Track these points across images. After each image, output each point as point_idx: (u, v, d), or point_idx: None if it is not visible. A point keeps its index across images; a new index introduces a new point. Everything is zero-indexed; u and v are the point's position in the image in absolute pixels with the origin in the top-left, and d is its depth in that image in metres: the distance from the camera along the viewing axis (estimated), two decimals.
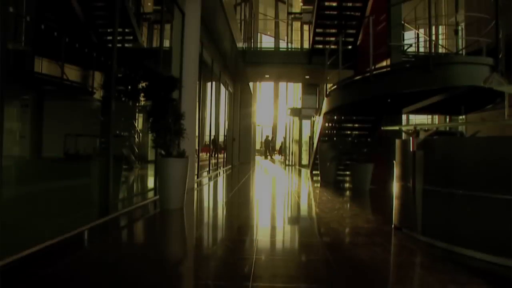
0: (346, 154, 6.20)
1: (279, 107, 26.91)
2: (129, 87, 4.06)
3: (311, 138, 10.76)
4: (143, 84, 3.98)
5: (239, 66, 10.80)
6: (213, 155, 10.02)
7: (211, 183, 7.28)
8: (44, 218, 2.92)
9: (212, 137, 9.76)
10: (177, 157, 3.95)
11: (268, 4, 20.73)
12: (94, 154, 4.16)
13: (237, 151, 13.37)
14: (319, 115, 8.57)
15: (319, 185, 7.14)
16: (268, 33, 22.17)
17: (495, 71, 5.07)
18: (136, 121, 6.11)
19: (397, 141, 3.14)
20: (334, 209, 4.16)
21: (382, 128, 3.24)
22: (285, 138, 18.00)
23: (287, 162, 15.33)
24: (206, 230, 3.20)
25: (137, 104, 4.95)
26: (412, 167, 2.79)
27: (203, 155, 9.99)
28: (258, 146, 24.39)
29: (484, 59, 5.13)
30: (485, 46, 5.64)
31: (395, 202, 3.23)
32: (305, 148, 13.88)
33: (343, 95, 6.48)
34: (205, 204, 4.80)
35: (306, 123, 13.97)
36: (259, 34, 18.96)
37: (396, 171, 3.23)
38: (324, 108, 7.44)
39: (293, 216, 4.08)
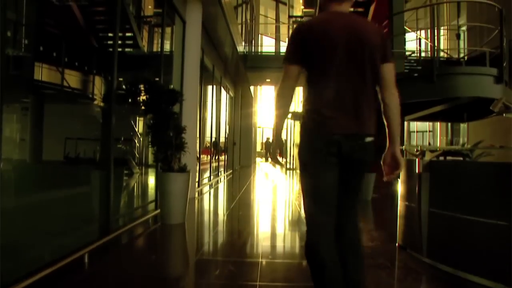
0: None
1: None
2: (130, 99, 4.02)
3: None
4: (144, 97, 3.92)
5: (240, 71, 10.75)
6: (214, 158, 9.94)
7: (212, 191, 7.24)
8: (41, 239, 2.87)
9: (213, 139, 9.71)
10: (178, 172, 3.91)
11: (269, 6, 20.64)
12: (94, 165, 4.10)
13: (237, 155, 13.33)
14: None
15: None
16: (269, 34, 22.09)
17: (499, 81, 5.01)
18: (137, 128, 6.07)
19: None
20: None
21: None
22: (286, 141, 17.94)
23: (288, 166, 15.27)
24: (207, 250, 3.15)
25: (137, 116, 4.90)
26: (417, 189, 2.75)
27: (204, 157, 9.93)
28: (259, 147, 24.34)
29: (488, 70, 5.07)
30: (488, 52, 5.58)
31: (399, 221, 3.19)
32: None
33: None
34: (207, 218, 4.75)
35: None
36: (260, 35, 18.89)
37: (400, 189, 3.18)
38: None
39: (295, 232, 4.03)
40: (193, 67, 5.85)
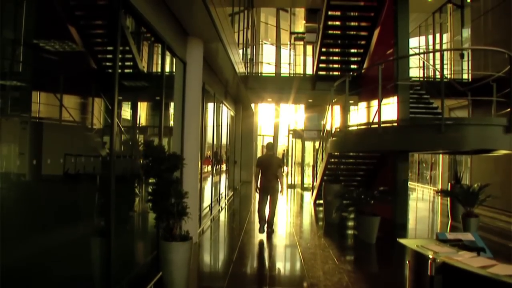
0: (352, 205, 6.07)
1: (280, 115, 26.57)
2: (129, 164, 3.90)
3: (314, 166, 10.65)
4: (144, 161, 3.80)
5: (240, 90, 10.61)
6: (214, 169, 9.71)
7: (213, 228, 7.16)
8: None
9: (214, 150, 9.54)
10: (180, 241, 3.80)
11: (270, 13, 20.37)
12: (94, 183, 3.87)
13: (238, 173, 13.23)
14: (324, 146, 8.43)
15: (323, 228, 7.02)
16: (270, 40, 21.88)
17: (509, 131, 4.89)
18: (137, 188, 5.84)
19: (411, 251, 3.01)
20: (342, 286, 4.03)
21: (398, 240, 3.15)
22: (285, 155, 17.89)
23: (289, 183, 15.00)
24: None
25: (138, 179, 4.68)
26: None
27: (204, 167, 9.68)
28: (259, 152, 24.15)
29: (497, 120, 4.96)
30: (495, 100, 5.47)
31: None
32: (308, 166, 13.73)
33: (350, 143, 6.32)
34: (208, 280, 4.67)
35: (309, 141, 13.83)
36: (261, 43, 18.69)
37: (409, 275, 3.10)
38: (329, 148, 7.29)
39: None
40: (194, 99, 5.71)
